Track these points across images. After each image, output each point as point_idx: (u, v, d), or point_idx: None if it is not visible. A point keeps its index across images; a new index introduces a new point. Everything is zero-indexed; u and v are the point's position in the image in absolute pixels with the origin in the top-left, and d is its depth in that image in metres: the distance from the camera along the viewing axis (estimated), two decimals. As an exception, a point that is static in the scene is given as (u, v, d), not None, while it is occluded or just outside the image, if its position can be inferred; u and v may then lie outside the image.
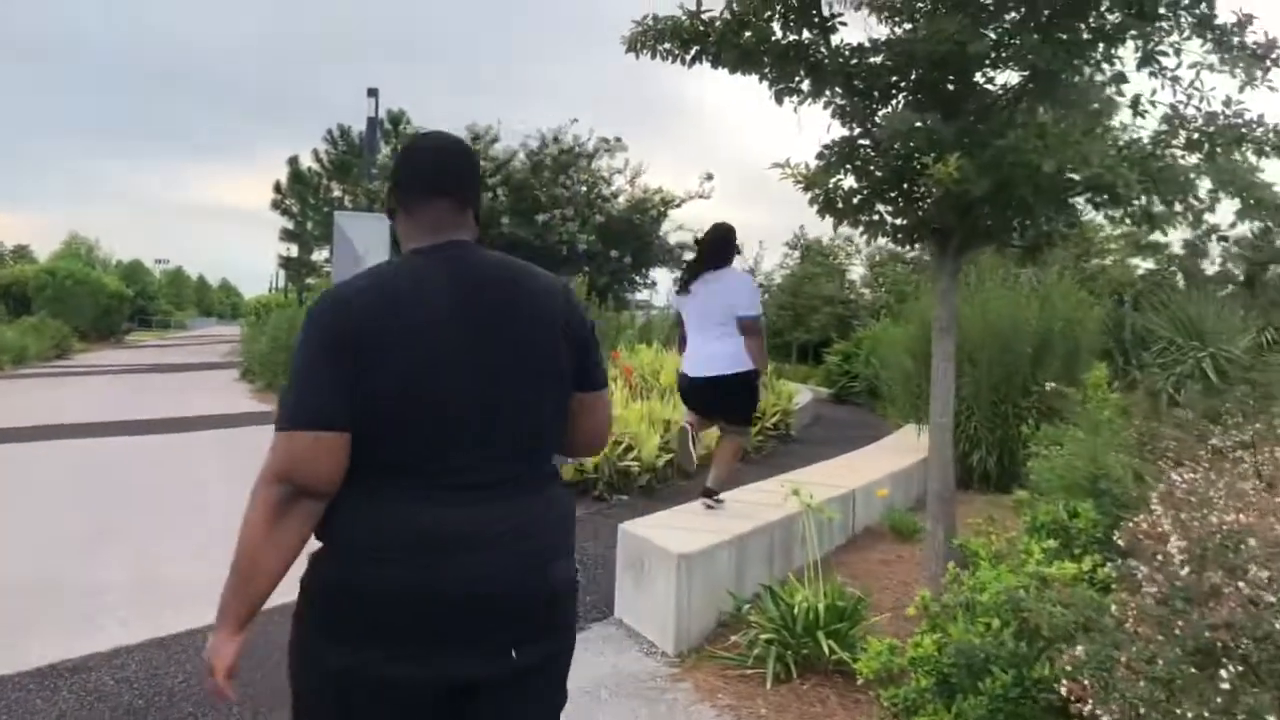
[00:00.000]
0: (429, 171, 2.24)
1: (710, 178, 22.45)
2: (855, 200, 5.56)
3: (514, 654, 2.10)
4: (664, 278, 25.61)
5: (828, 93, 5.81)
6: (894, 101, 5.73)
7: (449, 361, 2.05)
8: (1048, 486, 4.71)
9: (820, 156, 5.63)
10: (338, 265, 13.55)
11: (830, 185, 5.48)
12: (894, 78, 5.61)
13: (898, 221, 5.75)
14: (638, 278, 24.24)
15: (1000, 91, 5.60)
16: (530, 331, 2.15)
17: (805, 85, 5.82)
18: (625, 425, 9.55)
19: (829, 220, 5.65)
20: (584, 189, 21.53)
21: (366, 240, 13.45)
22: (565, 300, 2.25)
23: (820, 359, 26.54)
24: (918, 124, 5.01)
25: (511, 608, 2.09)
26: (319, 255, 39.58)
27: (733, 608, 5.49)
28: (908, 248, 6.89)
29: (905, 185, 5.59)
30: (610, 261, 21.73)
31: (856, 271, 32.01)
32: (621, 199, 22.50)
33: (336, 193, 36.52)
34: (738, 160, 57.86)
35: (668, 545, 5.34)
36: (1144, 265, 21.32)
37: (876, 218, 5.66)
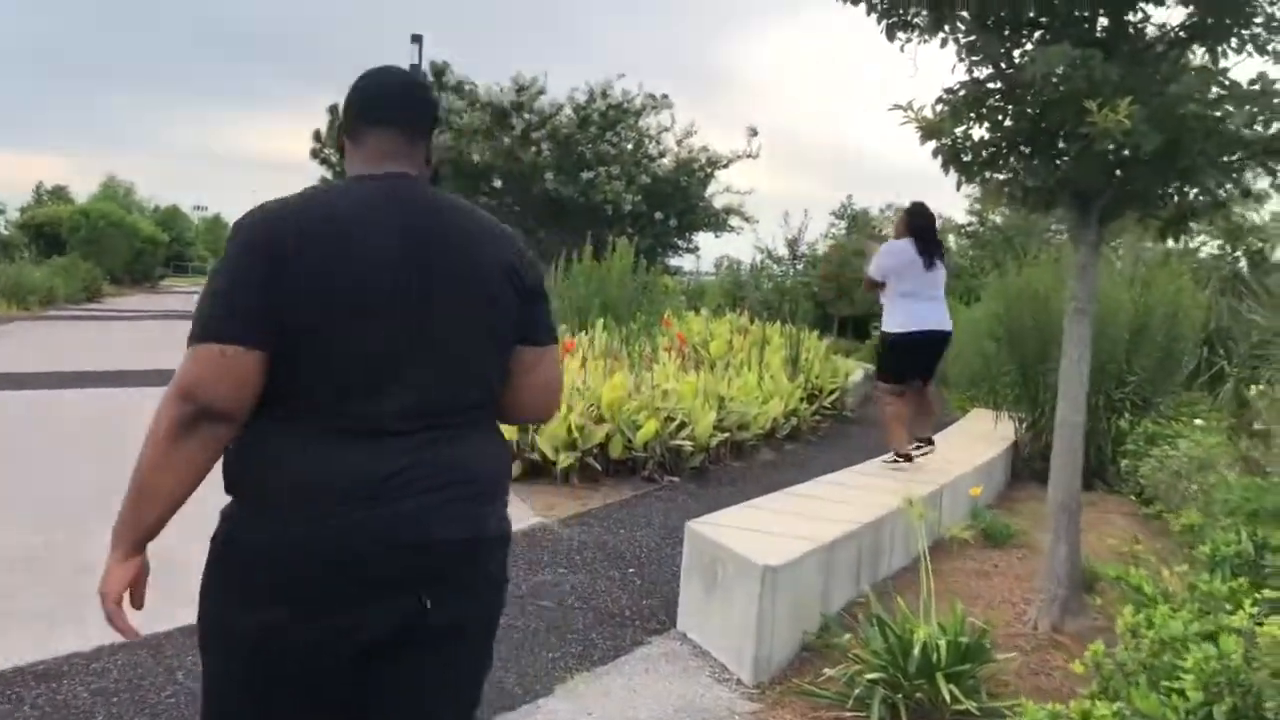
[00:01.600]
0: (377, 100, 2.17)
1: (755, 133, 21.46)
2: (985, 154, 4.68)
3: (436, 607, 1.99)
4: (708, 242, 24.77)
5: (947, 28, 4.93)
6: (1028, 41, 4.84)
7: (382, 291, 1.94)
8: (1222, 509, 3.85)
9: (943, 101, 4.75)
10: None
11: (958, 134, 4.61)
12: (1035, 11, 4.71)
13: (1030, 182, 4.87)
14: (681, 242, 23.33)
15: (1159, 32, 4.70)
16: (473, 272, 2.06)
17: (922, 17, 4.93)
18: (679, 400, 8.72)
19: (953, 175, 4.77)
20: (631, 147, 20.62)
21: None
22: (515, 249, 2.17)
23: (865, 334, 25.68)
24: (1078, 61, 4.11)
25: (438, 560, 1.98)
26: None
27: (821, 630, 4.67)
28: (1031, 213, 5.94)
29: (1044, 138, 4.70)
30: (655, 224, 20.85)
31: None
32: (668, 159, 21.58)
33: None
34: (784, 129, 56.83)
35: (749, 553, 4.51)
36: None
37: (1010, 175, 4.78)
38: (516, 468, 7.98)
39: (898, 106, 4.58)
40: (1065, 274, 9.37)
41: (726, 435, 9.17)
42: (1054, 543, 4.96)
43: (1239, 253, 15.08)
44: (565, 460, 7.92)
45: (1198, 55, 4.61)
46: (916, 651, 3.77)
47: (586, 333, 11.19)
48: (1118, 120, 3.90)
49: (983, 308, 11.75)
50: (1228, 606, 3.24)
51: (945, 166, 4.69)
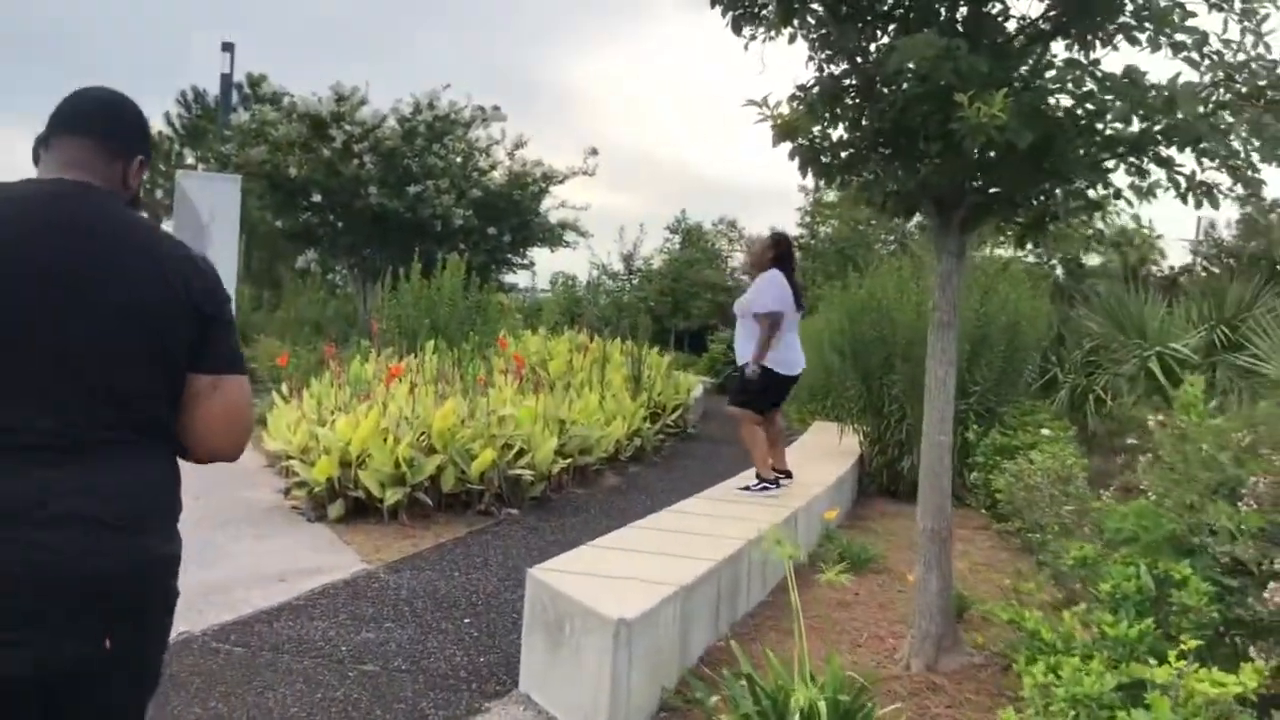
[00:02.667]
0: (69, 110, 2.13)
1: (595, 153, 21.04)
2: (844, 155, 4.29)
3: (100, 642, 1.91)
4: (543, 258, 24.25)
5: (796, 21, 4.55)
6: (884, 34, 4.49)
7: (19, 297, 1.90)
8: (1119, 538, 3.51)
9: (797, 98, 4.35)
10: (179, 231, 11.78)
11: (816, 134, 4.21)
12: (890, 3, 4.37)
13: (890, 186, 4.51)
14: (516, 257, 22.69)
15: (1020, 25, 4.41)
16: (129, 291, 1.97)
17: (771, 9, 4.54)
18: (517, 426, 8.15)
19: (810, 179, 4.37)
20: (460, 159, 19.89)
21: (213, 204, 11.78)
22: (194, 271, 2.07)
23: (702, 347, 25.56)
24: (944, 51, 3.74)
25: (80, 589, 1.87)
26: (169, 226, 36.95)
27: (681, 686, 4.19)
28: (896, 220, 5.56)
29: (904, 139, 4.35)
30: (488, 239, 20.15)
31: (738, 258, 31.11)
32: (500, 172, 20.94)
33: (190, 160, 33.98)
34: (618, 145, 56.64)
35: (600, 605, 4.00)
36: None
37: (870, 179, 4.41)
38: (338, 507, 7.30)
39: (752, 103, 4.15)
40: (908, 285, 9.22)
41: (569, 461, 8.66)
42: (924, 573, 4.60)
43: (1054, 261, 15.37)
44: (392, 496, 7.27)
45: (1062, 49, 4.33)
46: (796, 718, 3.31)
47: (416, 356, 10.53)
48: (991, 114, 3.54)
49: (821, 319, 11.55)
50: (1141, 654, 2.89)
51: (803, 168, 4.29)
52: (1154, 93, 3.77)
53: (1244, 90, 3.96)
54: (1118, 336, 10.17)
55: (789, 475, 7.37)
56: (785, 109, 4.17)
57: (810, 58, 4.67)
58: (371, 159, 18.64)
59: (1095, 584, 3.46)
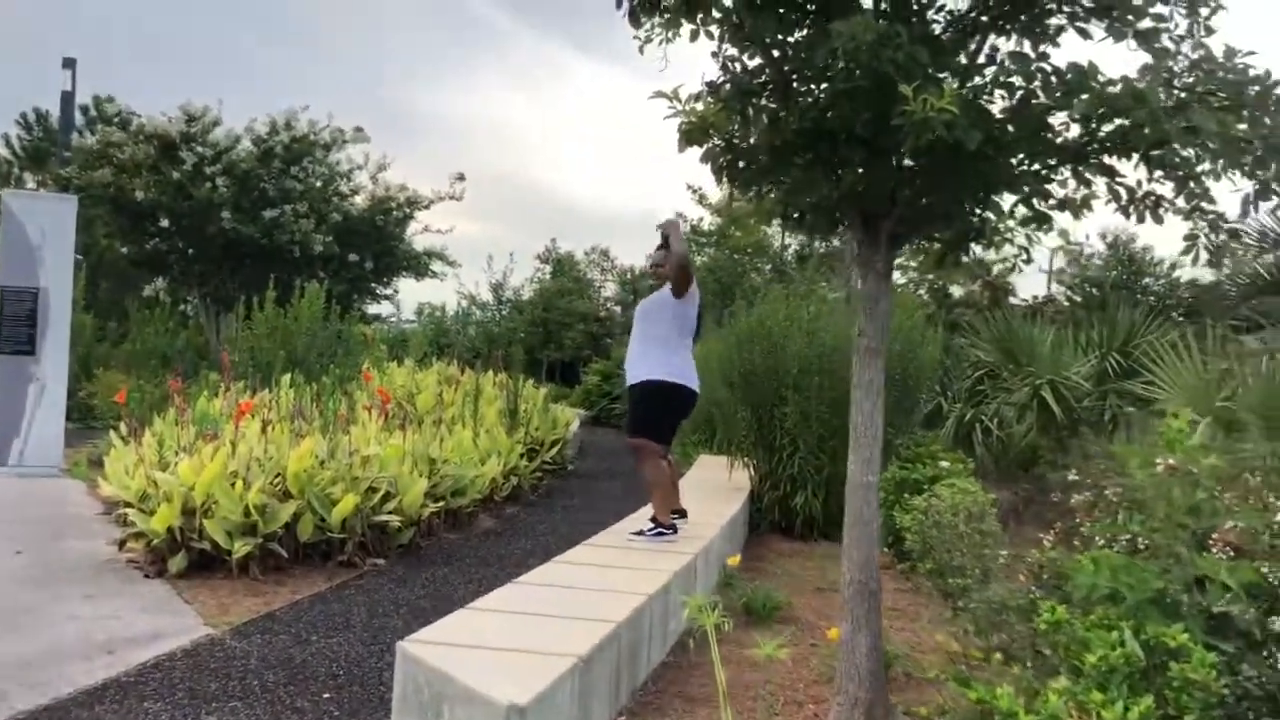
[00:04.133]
0: None
1: (461, 178, 20.35)
2: (761, 160, 3.77)
3: None
4: (409, 288, 23.34)
5: (701, 14, 4.03)
6: (799, 28, 4.00)
7: None
8: (1094, 595, 3.03)
9: (711, 93, 3.82)
10: (7, 255, 10.72)
11: (732, 132, 3.68)
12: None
13: (808, 198, 4.01)
14: (379, 287, 21.80)
15: (951, 16, 3.97)
16: None
17: (672, -1, 4.02)
18: (382, 466, 7.42)
19: (725, 187, 3.83)
20: (320, 183, 18.98)
21: (44, 225, 10.72)
22: None
23: (575, 379, 25.00)
24: (883, 36, 3.25)
25: None
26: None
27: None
28: (812, 236, 4.99)
29: (825, 143, 3.84)
30: (349, 267, 19.26)
31: (610, 288, 30.68)
32: (362, 197, 20.09)
33: (31, 184, 32.09)
34: (486, 174, 55.74)
35: (485, 686, 3.35)
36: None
37: (788, 189, 3.90)
38: (179, 560, 6.48)
39: (661, 95, 3.60)
40: (798, 312, 8.80)
41: (441, 504, 7.95)
42: (851, 633, 4.08)
43: (922, 290, 15.29)
44: (242, 548, 6.48)
45: (1003, 43, 3.89)
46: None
47: (270, 391, 9.68)
48: (941, 108, 3.06)
49: (704, 348, 11.07)
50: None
51: (718, 174, 3.76)
52: (1116, 87, 3.34)
53: (1203, 90, 3.57)
54: (1007, 365, 9.93)
55: (684, 515, 6.79)
56: (699, 105, 3.62)
57: (715, 53, 4.16)
58: (225, 182, 17.65)
59: (1066, 650, 2.97)
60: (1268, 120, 3.56)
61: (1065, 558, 3.57)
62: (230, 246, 17.87)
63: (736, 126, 3.73)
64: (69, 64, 20.37)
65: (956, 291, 21.59)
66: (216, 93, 44.06)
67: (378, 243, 19.81)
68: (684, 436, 12.52)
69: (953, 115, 3.12)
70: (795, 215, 4.06)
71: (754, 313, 9.22)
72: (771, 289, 10.99)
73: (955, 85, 3.41)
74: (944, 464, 7.79)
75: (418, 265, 21.30)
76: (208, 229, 17.61)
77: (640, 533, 6.50)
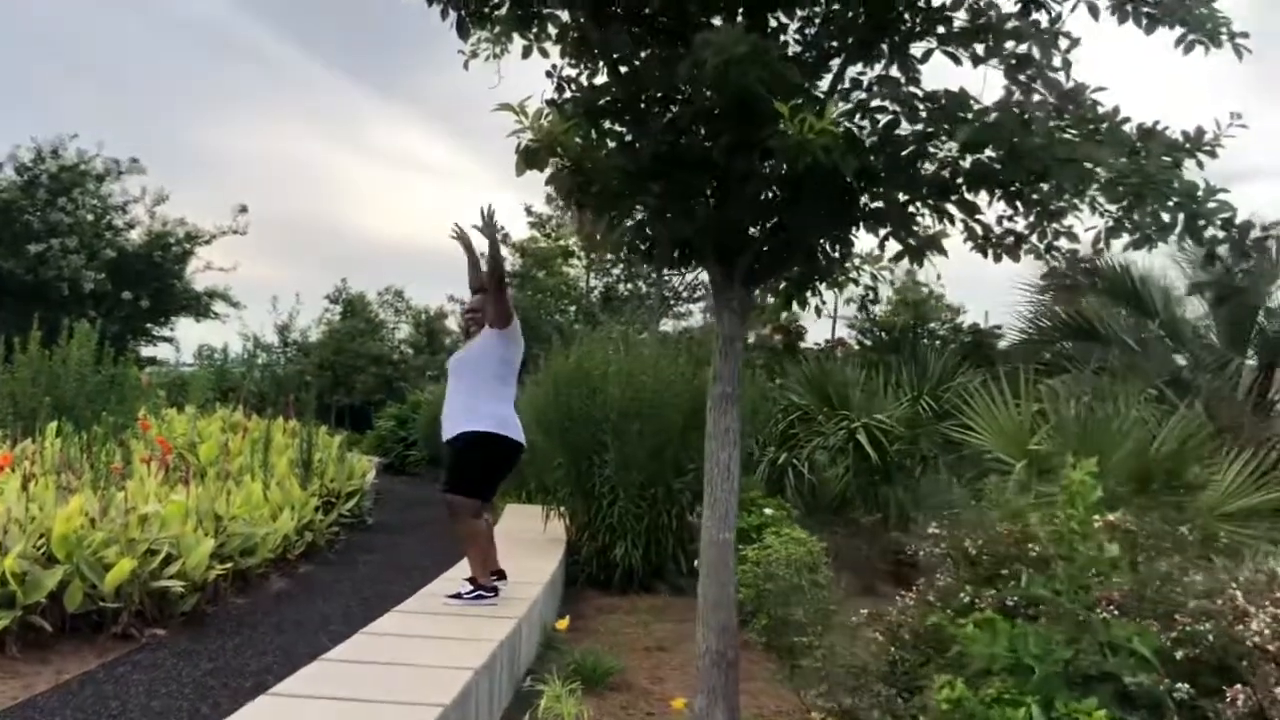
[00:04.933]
0: None
1: (244, 210, 19.33)
2: (614, 183, 3.40)
3: None
4: (187, 329, 21.93)
5: (536, 28, 3.67)
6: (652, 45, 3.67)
7: None
8: (995, 667, 2.74)
9: (556, 107, 3.44)
10: None
11: (578, 150, 3.29)
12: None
13: (658, 231, 3.67)
14: (155, 327, 20.45)
15: (805, 38, 3.72)
16: None
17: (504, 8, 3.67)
18: (163, 526, 6.65)
19: (574, 214, 3.45)
20: (91, 217, 17.65)
21: None
22: None
23: (367, 424, 24.00)
24: (754, 50, 2.93)
25: None
26: None
27: None
28: (659, 270, 4.55)
29: (680, 172, 3.51)
30: (123, 305, 17.93)
31: (405, 329, 29.76)
32: (138, 232, 18.83)
33: None
34: (276, 214, 53.59)
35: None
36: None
37: (638, 220, 3.55)
38: (-81, 637, 5.58)
39: (506, 107, 3.19)
40: (617, 356, 8.47)
41: (229, 565, 7.20)
42: (707, 707, 3.71)
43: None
44: (-2, 621, 5.63)
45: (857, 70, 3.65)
46: None
47: (34, 441, 8.70)
48: (822, 129, 2.76)
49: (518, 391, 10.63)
50: None
51: (567, 198, 3.37)
52: (993, 116, 3.13)
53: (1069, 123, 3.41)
54: (822, 408, 9.87)
55: (503, 576, 6.30)
56: (545, 120, 3.23)
57: (550, 72, 3.79)
58: (-17, 213, 16.20)
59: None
60: (1124, 159, 3.44)
61: (946, 622, 3.29)
62: (-9, 283, 16.41)
63: (585, 148, 3.35)
64: None
65: (750, 336, 21.84)
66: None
67: (155, 280, 18.61)
68: (491, 484, 11.98)
69: (833, 138, 2.83)
70: (645, 248, 3.71)
71: (572, 355, 8.84)
72: (586, 332, 10.65)
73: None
74: (768, 511, 7.58)
75: (198, 305, 20.12)
76: (-37, 263, 16.13)
77: (457, 595, 5.98)
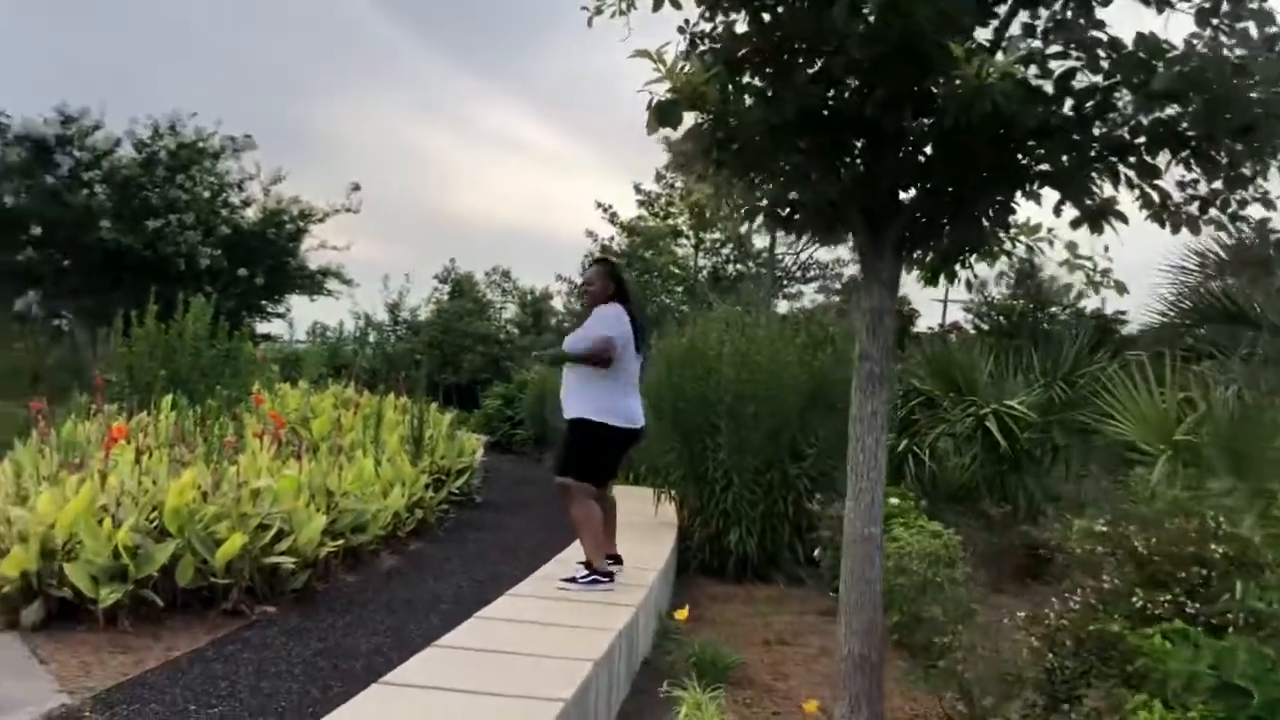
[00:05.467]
0: None
1: (357, 188, 19.38)
2: (758, 139, 3.10)
3: None
4: (301, 306, 22.18)
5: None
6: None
7: None
8: (1200, 683, 2.40)
9: (703, 51, 3.14)
10: None
11: (720, 102, 3.00)
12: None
13: (803, 195, 3.36)
14: (270, 304, 20.69)
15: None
16: None
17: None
18: (275, 501, 6.56)
19: (708, 180, 3.15)
20: (208, 193, 17.86)
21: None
22: None
23: (474, 403, 24.08)
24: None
25: None
26: None
27: None
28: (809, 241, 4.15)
29: (829, 127, 3.20)
30: (239, 281, 18.13)
31: (511, 309, 29.83)
32: (253, 210, 19.02)
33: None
34: (383, 195, 54.37)
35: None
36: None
37: (781, 183, 3.24)
38: (35, 610, 5.56)
39: (644, 53, 2.92)
40: (732, 335, 8.17)
41: (340, 542, 7.10)
42: (849, 714, 3.41)
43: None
44: (110, 595, 5.56)
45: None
46: None
47: (150, 414, 8.72)
48: (1006, 71, 2.43)
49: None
50: None
51: (705, 156, 3.08)
52: (1192, 62, 2.76)
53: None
54: (946, 393, 9.43)
55: (619, 561, 6.08)
56: (684, 71, 2.94)
57: (683, 27, 3.49)
58: (104, 189, 16.44)
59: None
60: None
61: (1125, 631, 2.94)
62: (110, 258, 16.67)
63: (726, 100, 3.05)
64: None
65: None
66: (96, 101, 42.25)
67: (269, 257, 18.76)
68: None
69: (1013, 83, 2.50)
70: (786, 214, 3.40)
71: (687, 336, 8.57)
72: (698, 312, 10.36)
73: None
74: (894, 500, 7.21)
75: (311, 283, 20.28)
76: (85, 239, 16.40)
77: (572, 579, 5.77)
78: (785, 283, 21.04)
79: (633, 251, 21.69)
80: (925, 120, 3.15)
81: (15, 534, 5.78)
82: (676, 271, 21.97)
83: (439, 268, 28.49)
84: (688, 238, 21.10)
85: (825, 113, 3.13)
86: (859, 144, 3.27)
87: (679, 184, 19.77)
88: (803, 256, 20.55)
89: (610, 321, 5.96)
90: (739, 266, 21.01)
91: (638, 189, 21.85)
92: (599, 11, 3.65)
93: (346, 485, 7.66)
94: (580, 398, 5.97)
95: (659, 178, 21.18)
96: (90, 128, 16.99)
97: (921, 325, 21.82)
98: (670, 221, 21.32)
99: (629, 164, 51.29)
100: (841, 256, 20.91)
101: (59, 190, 16.32)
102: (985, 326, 23.45)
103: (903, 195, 3.42)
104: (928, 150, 3.26)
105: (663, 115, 3.06)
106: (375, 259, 40.07)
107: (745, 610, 7.01)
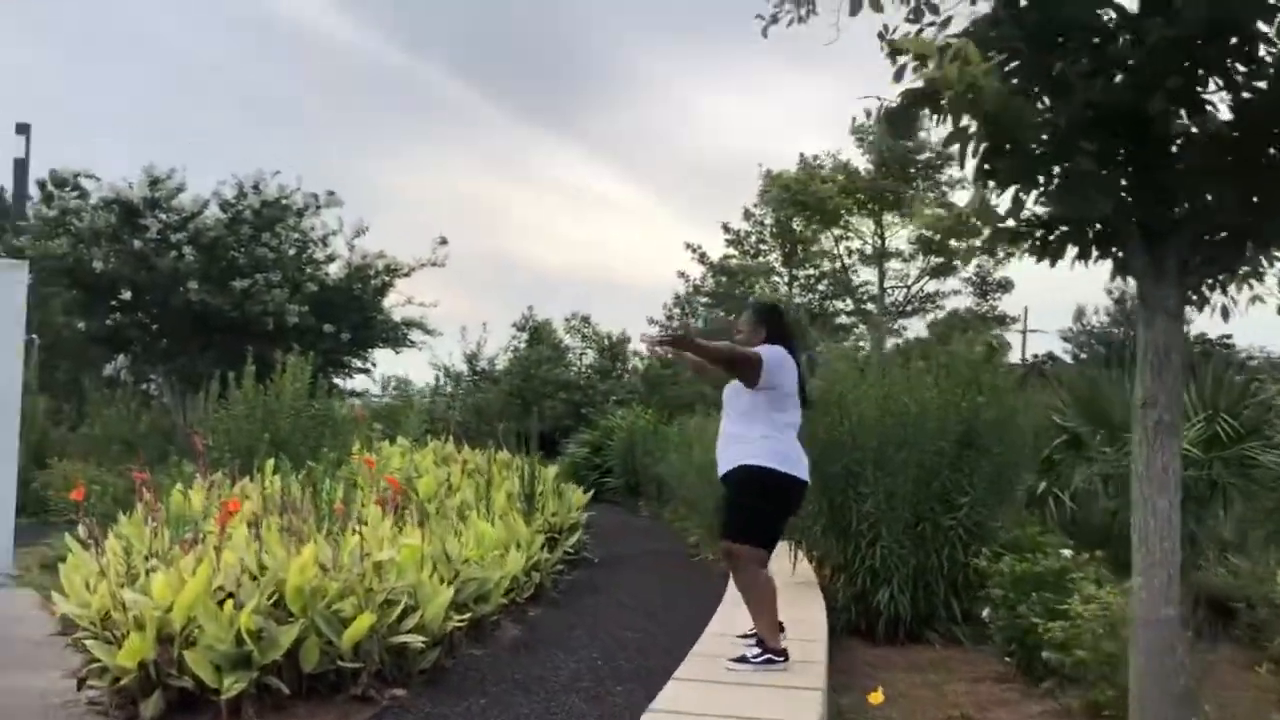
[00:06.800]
0: None
1: (444, 242, 19.15)
2: (1041, 142, 2.55)
3: None
4: (386, 359, 21.96)
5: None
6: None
7: None
8: None
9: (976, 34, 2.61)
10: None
11: (994, 89, 2.46)
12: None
13: (1074, 210, 2.79)
14: (356, 360, 20.47)
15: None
16: None
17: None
18: (399, 574, 6.07)
19: (976, 187, 2.61)
20: (293, 250, 17.70)
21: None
22: None
23: (552, 451, 23.67)
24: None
25: None
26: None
27: None
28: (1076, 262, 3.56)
29: (1107, 132, 2.64)
30: (324, 338, 17.89)
31: (590, 355, 29.46)
32: (338, 265, 18.84)
33: (-14, 254, 30.63)
34: (457, 248, 55.01)
35: None
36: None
37: (1068, 190, 2.68)
38: (155, 702, 5.10)
39: (892, 41, 2.40)
40: (873, 373, 7.60)
41: (467, 615, 6.58)
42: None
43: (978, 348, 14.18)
44: (234, 685, 5.09)
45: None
46: None
47: (252, 480, 8.33)
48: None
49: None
50: None
51: (990, 159, 2.53)
52: None
53: None
54: (1097, 430, 8.73)
55: (782, 630, 5.49)
56: (951, 61, 2.40)
57: (882, 34, 2.97)
58: (191, 250, 16.32)
59: None
60: None
61: None
62: (198, 320, 16.53)
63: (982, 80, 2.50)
64: (23, 130, 19.14)
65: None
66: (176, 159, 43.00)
67: (356, 313, 18.54)
68: (709, 515, 11.23)
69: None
70: (1050, 234, 2.84)
71: (819, 374, 8.00)
72: (829, 350, 9.78)
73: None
74: (1066, 553, 6.57)
75: (397, 336, 20.05)
76: (173, 301, 16.28)
77: (743, 659, 5.18)
78: (894, 317, 20.39)
79: (723, 291, 21.21)
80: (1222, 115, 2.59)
81: (131, 619, 5.35)
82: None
83: (513, 318, 28.26)
84: (779, 274, 20.58)
85: (1106, 111, 2.57)
86: (1137, 149, 2.71)
87: (768, 220, 19.30)
88: (913, 289, 19.92)
89: (770, 351, 5.37)
90: (837, 303, 20.42)
91: (726, 228, 21.41)
92: (774, 20, 3.18)
93: (467, 551, 7.17)
94: (744, 443, 5.32)
95: (747, 215, 20.72)
96: (175, 189, 16.92)
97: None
98: (761, 259, 20.82)
99: (691, 217, 51.81)
100: (942, 289, 20.27)
101: (147, 253, 16.23)
102: (1084, 356, 22.55)
103: (1175, 210, 2.85)
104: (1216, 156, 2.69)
105: (905, 117, 2.53)
106: (454, 311, 40.16)
107: (912, 679, 6.36)
